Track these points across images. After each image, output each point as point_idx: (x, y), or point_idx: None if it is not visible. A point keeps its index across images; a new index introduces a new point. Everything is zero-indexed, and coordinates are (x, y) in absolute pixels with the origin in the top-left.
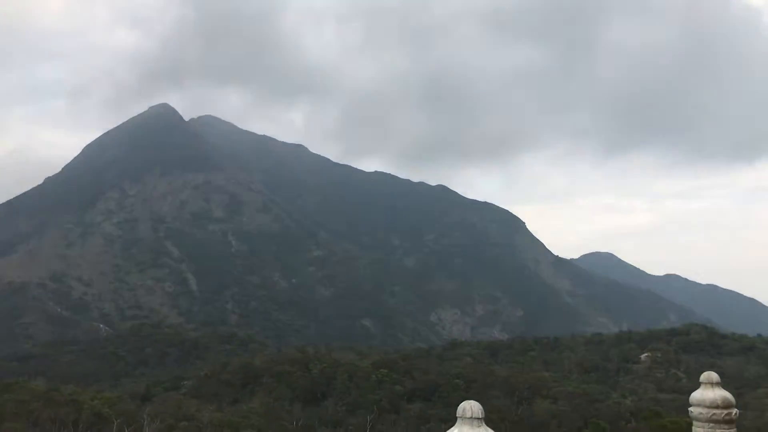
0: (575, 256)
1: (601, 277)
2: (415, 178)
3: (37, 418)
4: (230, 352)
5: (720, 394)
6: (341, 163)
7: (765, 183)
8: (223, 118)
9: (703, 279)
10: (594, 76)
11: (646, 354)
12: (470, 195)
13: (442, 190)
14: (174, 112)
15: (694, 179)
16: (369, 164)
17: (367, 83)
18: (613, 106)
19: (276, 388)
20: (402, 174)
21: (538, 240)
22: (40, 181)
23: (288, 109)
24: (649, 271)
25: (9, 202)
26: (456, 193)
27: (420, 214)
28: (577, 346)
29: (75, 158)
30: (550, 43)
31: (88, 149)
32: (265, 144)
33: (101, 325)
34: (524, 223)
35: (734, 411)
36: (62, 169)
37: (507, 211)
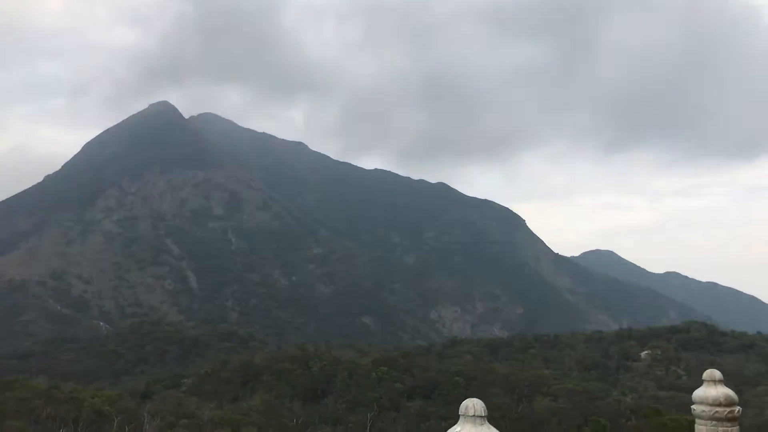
0: (575, 253)
1: (601, 274)
2: (415, 176)
3: (38, 416)
4: (230, 349)
5: (723, 391)
6: (341, 160)
7: (765, 181)
8: (223, 116)
9: (703, 276)
10: (594, 75)
11: (646, 351)
12: (470, 192)
13: (442, 187)
14: (174, 109)
15: (694, 177)
16: (369, 162)
17: (367, 81)
18: (613, 105)
19: (276, 386)
20: (402, 171)
21: (538, 238)
22: (40, 179)
23: (288, 106)
24: (649, 269)
25: (9, 200)
26: (456, 190)
27: (420, 212)
28: (578, 343)
29: (75, 156)
30: (551, 42)
31: (88, 147)
32: (265, 141)
33: (101, 323)
34: (524, 220)
35: (737, 409)
36: (62, 166)
37: (507, 209)
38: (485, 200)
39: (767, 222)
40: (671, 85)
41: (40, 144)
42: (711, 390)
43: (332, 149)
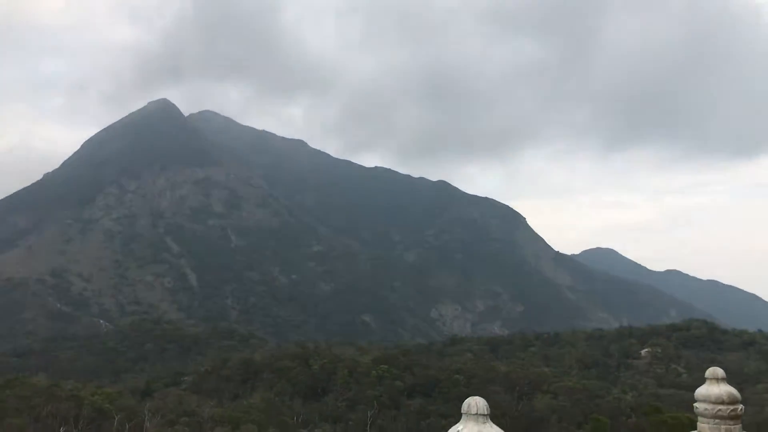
0: (576, 251)
1: (602, 272)
2: (416, 174)
3: (39, 413)
4: (230, 347)
5: (725, 389)
6: (341, 158)
7: (765, 179)
8: (222, 114)
9: (703, 274)
10: (594, 72)
11: (646, 349)
12: (471, 190)
13: (443, 185)
14: (173, 107)
15: (694, 175)
16: (369, 160)
17: (367, 78)
18: (613, 102)
19: (276, 384)
20: (402, 169)
21: (538, 236)
22: (40, 177)
23: (288, 104)
24: (649, 267)
25: (8, 198)
26: (456, 188)
27: (420, 210)
28: (578, 341)
29: (74, 154)
30: (551, 39)
31: (88, 145)
32: (264, 139)
33: (101, 321)
34: (525, 218)
35: (740, 407)
36: (61, 165)
37: (507, 207)
38: (485, 198)
39: (767, 220)
40: (672, 82)
41: (40, 142)
42: (714, 388)
43: (332, 147)
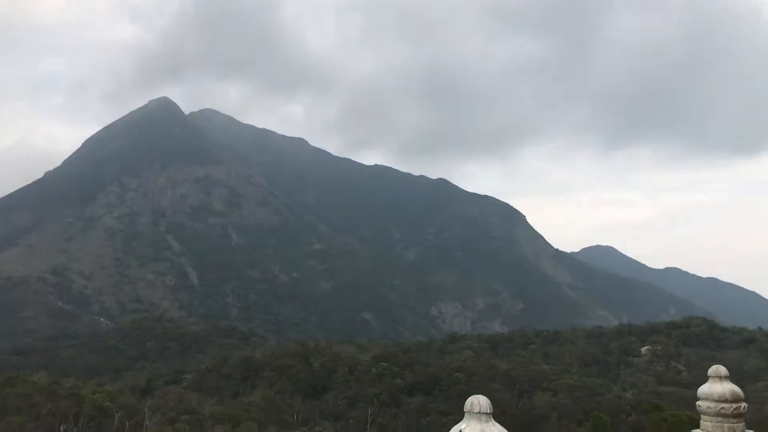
0: (575, 249)
1: (602, 270)
2: (416, 172)
3: (39, 411)
4: (231, 345)
5: (728, 387)
6: (341, 156)
7: (765, 177)
8: (222, 112)
9: (703, 272)
10: (594, 70)
11: (646, 347)
12: (470, 188)
13: (443, 183)
14: (174, 105)
15: (694, 173)
16: (369, 158)
17: (367, 76)
18: (613, 100)
19: (277, 382)
20: (402, 167)
21: (538, 233)
22: (41, 176)
23: (288, 102)
24: (649, 265)
25: (9, 197)
26: (456, 186)
27: (420, 208)
28: (578, 339)
29: (75, 152)
30: (551, 37)
31: (88, 143)
32: (265, 137)
33: (102, 319)
34: (524, 216)
35: (743, 405)
36: (62, 163)
37: (507, 205)
38: (485, 196)
39: (767, 218)
40: (671, 80)
41: (41, 140)
42: (717, 386)
43: (332, 145)
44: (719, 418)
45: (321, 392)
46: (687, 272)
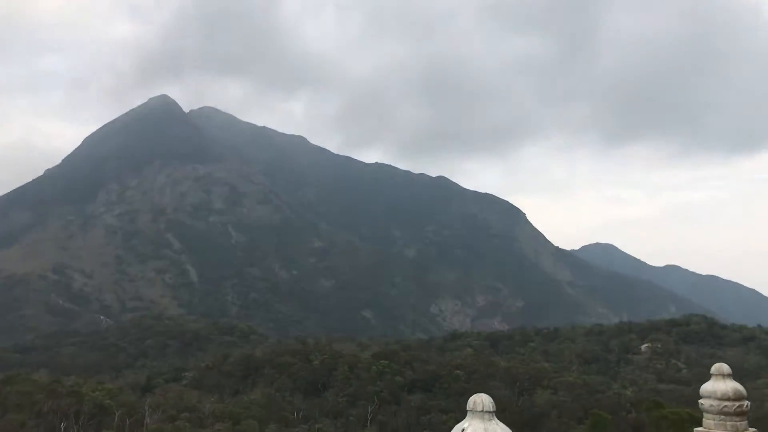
0: (575, 247)
1: (602, 268)
2: (416, 170)
3: (40, 409)
4: (231, 343)
5: (731, 386)
6: (341, 154)
7: (764, 174)
8: (222, 110)
9: (703, 270)
10: (594, 68)
11: (646, 345)
12: (471, 186)
13: (443, 181)
14: (174, 103)
15: (693, 171)
16: (369, 155)
17: (367, 74)
18: (613, 98)
19: (277, 380)
20: (402, 165)
21: (538, 231)
22: (41, 174)
23: (288, 100)
24: (649, 262)
25: (10, 195)
26: (456, 184)
27: (420, 206)
28: (578, 336)
29: (75, 150)
30: (551, 34)
31: (89, 141)
32: (265, 135)
33: (102, 317)
34: (525, 214)
35: (746, 403)
36: (62, 161)
37: (507, 203)
38: (485, 194)
39: (767, 215)
40: (671, 78)
41: (41, 138)
42: (719, 384)
43: (332, 143)
44: (722, 416)
45: (321, 390)
46: (687, 270)
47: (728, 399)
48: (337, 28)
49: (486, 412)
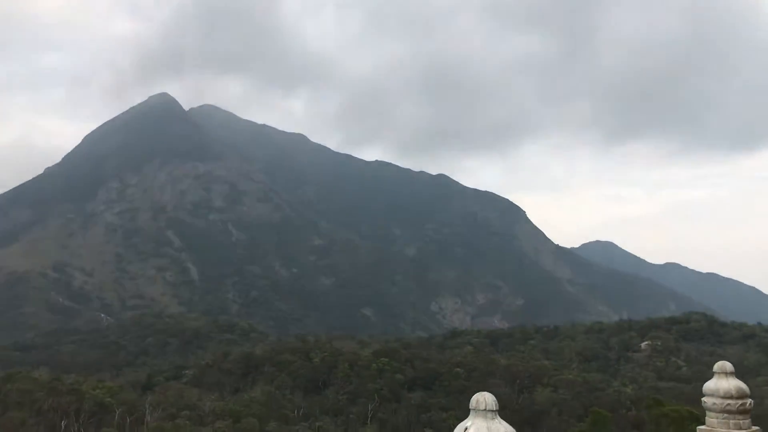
0: (575, 245)
1: (601, 265)
2: (416, 168)
3: (40, 407)
4: (231, 341)
5: (734, 384)
6: (341, 152)
7: (764, 172)
8: (223, 108)
9: (702, 267)
10: (594, 66)
11: (646, 342)
12: (471, 184)
13: (443, 179)
14: (174, 101)
15: (693, 168)
16: (369, 153)
17: (367, 72)
18: (613, 96)
19: (277, 377)
20: (402, 163)
21: (538, 229)
22: (41, 172)
23: (288, 98)
24: (649, 260)
25: (10, 193)
26: (457, 182)
27: (420, 204)
28: (578, 334)
29: (75, 148)
30: (551, 33)
31: (89, 139)
32: (265, 133)
33: (103, 315)
34: (525, 212)
35: (749, 401)
36: (63, 159)
37: (507, 201)
38: (486, 192)
39: (767, 213)
40: (671, 76)
41: (41, 136)
42: (722, 382)
43: (332, 141)
44: (725, 415)
45: (321, 388)
46: (687, 267)
47: (731, 397)
48: (338, 26)
49: (489, 410)
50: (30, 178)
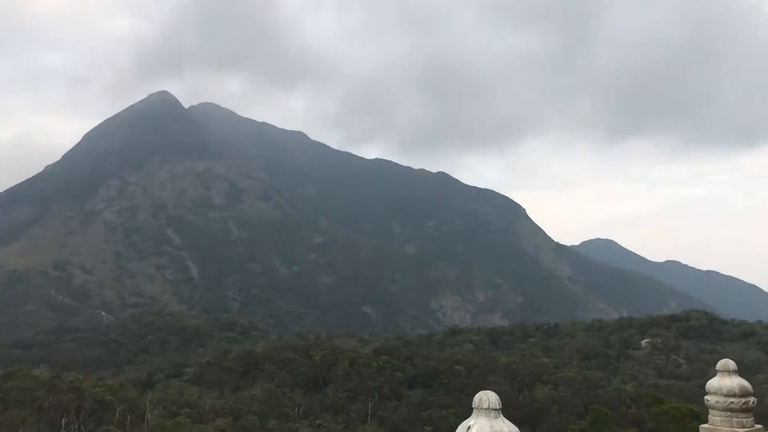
0: (576, 242)
1: (602, 263)
2: (416, 165)
3: (41, 405)
4: (232, 339)
5: (737, 382)
6: (341, 150)
7: (765, 170)
8: (222, 106)
9: (703, 265)
10: (595, 63)
11: (646, 340)
12: (471, 182)
13: (443, 177)
14: (174, 99)
15: (694, 165)
16: (369, 151)
17: (367, 70)
18: (613, 93)
19: (277, 375)
20: (403, 161)
21: (538, 227)
22: (41, 170)
23: (288, 95)
24: (649, 258)
25: (10, 191)
26: (457, 180)
27: (421, 201)
28: (578, 332)
29: (75, 146)
30: (552, 30)
31: (89, 137)
32: (265, 131)
33: (103, 313)
34: (525, 209)
35: (752, 399)
36: (62, 157)
37: (508, 198)
38: (486, 190)
39: (767, 211)
40: (672, 73)
41: (41, 134)
42: (725, 380)
43: (332, 138)
44: (728, 413)
45: (322, 385)
46: (687, 265)
47: (734, 395)
48: (338, 24)
49: (492, 409)
50: (30, 176)
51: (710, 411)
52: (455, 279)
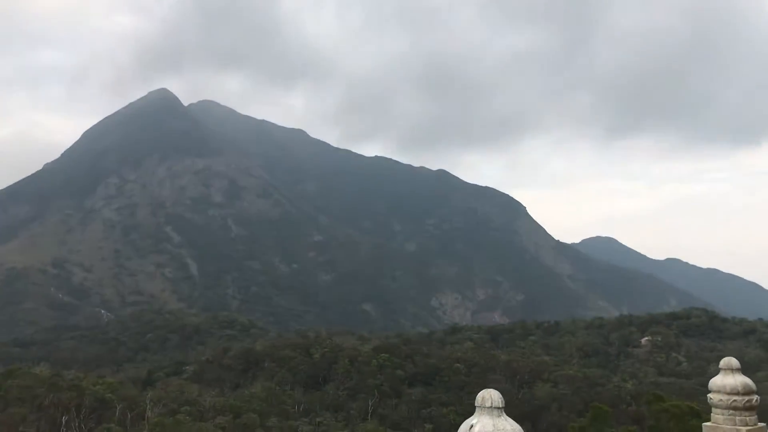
0: (576, 240)
1: (602, 261)
2: (416, 163)
3: (41, 403)
4: (231, 337)
5: (740, 380)
6: (341, 148)
7: (765, 167)
8: (222, 103)
9: (703, 263)
10: (595, 61)
11: (646, 338)
12: (471, 180)
13: (443, 174)
14: (173, 97)
15: (694, 163)
16: (369, 149)
17: (367, 67)
18: (614, 90)
19: (277, 373)
20: (403, 159)
21: (539, 225)
22: (40, 168)
23: (287, 93)
24: (649, 255)
25: (9, 189)
26: (457, 178)
27: (421, 199)
28: (578, 330)
29: (74, 144)
30: (552, 27)
31: (88, 135)
32: (264, 129)
33: (102, 311)
34: (525, 207)
35: (755, 397)
36: (62, 155)
37: (508, 196)
38: (486, 187)
39: (767, 208)
40: (672, 70)
41: (40, 132)
42: (728, 378)
43: (332, 136)
44: (731, 411)
45: (322, 383)
46: (687, 263)
47: (737, 393)
48: (338, 22)
49: (495, 408)
50: (29, 173)
51: (713, 409)
52: (455, 277)
